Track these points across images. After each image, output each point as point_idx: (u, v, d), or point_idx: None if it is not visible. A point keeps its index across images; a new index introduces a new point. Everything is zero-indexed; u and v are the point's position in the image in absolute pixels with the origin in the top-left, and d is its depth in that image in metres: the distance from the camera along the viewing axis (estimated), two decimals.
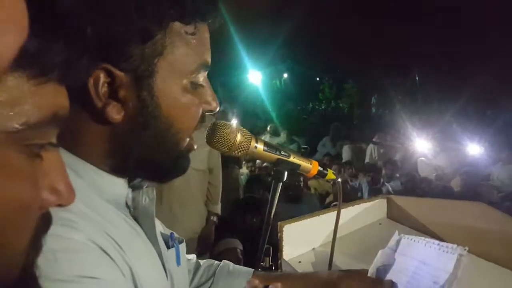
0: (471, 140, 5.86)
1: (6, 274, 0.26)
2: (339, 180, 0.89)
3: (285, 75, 11.94)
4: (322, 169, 0.83)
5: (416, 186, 4.40)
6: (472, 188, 4.37)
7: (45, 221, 0.31)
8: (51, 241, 0.32)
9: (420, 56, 8.99)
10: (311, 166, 0.81)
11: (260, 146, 0.74)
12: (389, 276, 0.86)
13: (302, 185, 3.74)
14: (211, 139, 0.70)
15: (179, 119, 0.55)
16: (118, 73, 0.49)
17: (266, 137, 6.57)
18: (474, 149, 5.63)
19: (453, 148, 5.95)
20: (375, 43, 8.66)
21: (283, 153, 0.77)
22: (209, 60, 0.59)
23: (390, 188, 4.71)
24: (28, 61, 0.24)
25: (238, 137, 0.71)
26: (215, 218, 2.61)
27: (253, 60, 8.26)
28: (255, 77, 9.02)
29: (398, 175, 5.09)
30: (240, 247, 2.55)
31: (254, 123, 7.82)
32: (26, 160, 0.26)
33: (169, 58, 0.52)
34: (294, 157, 0.79)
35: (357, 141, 6.64)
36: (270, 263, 1.19)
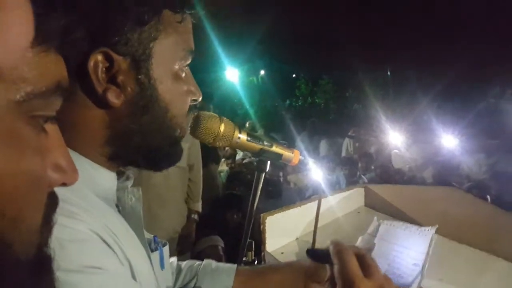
0: (442, 132, 6.09)
1: (24, 252, 0.26)
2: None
3: (262, 72, 11.98)
4: (303, 158, 0.86)
5: (391, 177, 4.54)
6: (443, 178, 4.54)
7: (53, 200, 0.30)
8: (57, 230, 0.31)
9: (391, 52, 9.24)
10: (293, 155, 0.83)
11: (243, 137, 0.76)
12: None
13: (282, 180, 3.79)
14: (195, 129, 0.71)
15: (174, 104, 0.57)
16: (117, 57, 0.50)
17: None
18: (448, 140, 5.84)
19: (425, 140, 6.17)
20: (349, 40, 8.82)
21: (265, 143, 0.79)
22: (193, 47, 0.61)
23: (366, 180, 4.83)
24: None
25: (222, 127, 0.72)
26: (196, 216, 2.59)
27: (230, 57, 8.25)
28: (232, 74, 9.01)
29: (373, 167, 5.23)
30: (221, 244, 2.56)
31: (232, 120, 7.82)
32: (34, 132, 0.26)
33: (163, 43, 0.54)
34: (276, 147, 0.80)
35: (334, 136, 6.77)
36: (253, 258, 1.21)
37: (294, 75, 12.78)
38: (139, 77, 0.52)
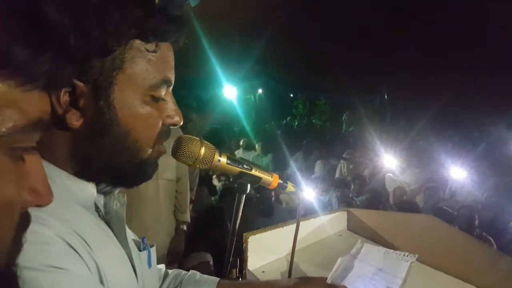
0: (438, 157, 6.14)
1: None
2: (299, 192, 0.96)
3: (260, 91, 12.12)
4: (282, 182, 0.89)
5: (380, 202, 4.56)
6: (434, 204, 4.56)
7: (25, 220, 0.33)
8: None
9: (389, 76, 9.41)
10: (271, 179, 0.87)
11: (224, 160, 0.79)
12: (349, 280, 0.92)
13: (273, 199, 3.80)
14: (176, 152, 0.74)
15: (136, 128, 0.59)
16: (79, 83, 0.53)
17: (239, 152, 6.63)
18: (444, 167, 5.88)
19: (419, 165, 6.21)
20: (347, 62, 8.99)
21: (245, 167, 0.82)
22: (171, 76, 0.63)
23: (358, 203, 4.85)
24: (18, 70, 0.26)
25: (202, 150, 0.76)
26: (184, 227, 2.58)
27: (227, 75, 8.36)
28: (230, 91, 9.11)
29: (366, 190, 5.25)
30: (211, 260, 2.56)
31: (229, 137, 7.86)
32: (10, 162, 0.28)
33: (128, 72, 0.56)
34: (256, 171, 0.84)
35: (329, 157, 6.82)
36: (237, 275, 1.23)
37: (291, 95, 12.93)
38: (99, 102, 0.55)
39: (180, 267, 2.59)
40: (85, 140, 0.57)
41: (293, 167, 6.05)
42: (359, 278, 0.94)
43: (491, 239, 3.26)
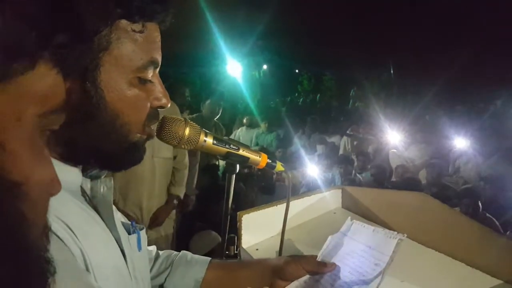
0: (443, 133, 6.07)
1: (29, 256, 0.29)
2: (289, 172, 0.95)
3: (265, 67, 11.95)
4: (271, 161, 0.89)
5: (385, 178, 4.56)
6: (438, 180, 4.55)
7: None
8: None
9: (395, 51, 9.20)
10: (259, 159, 0.86)
11: (210, 140, 0.79)
12: (338, 257, 0.93)
13: (275, 177, 3.82)
14: (160, 132, 0.74)
15: (125, 111, 0.58)
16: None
17: (243, 130, 6.62)
18: (448, 141, 5.82)
19: (424, 140, 6.16)
20: (353, 37, 8.79)
21: (232, 147, 0.82)
22: (158, 57, 0.61)
23: (362, 179, 4.86)
24: (57, 54, 0.28)
25: (187, 131, 0.75)
26: (175, 201, 2.58)
27: (231, 51, 8.23)
28: (234, 68, 9.00)
29: (369, 166, 5.25)
30: (219, 239, 2.61)
31: (234, 115, 7.83)
32: (44, 146, 0.30)
33: (114, 53, 0.55)
34: (243, 150, 0.84)
35: (333, 134, 6.79)
36: (235, 251, 1.26)
37: (296, 71, 12.75)
38: (85, 85, 0.54)
39: (187, 248, 2.65)
40: (71, 123, 0.56)
41: (297, 144, 6.05)
42: (348, 256, 0.95)
43: (494, 220, 3.26)
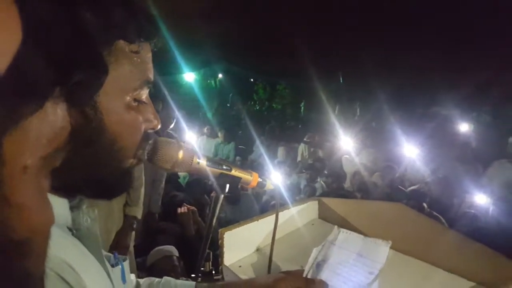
0: (390, 138, 6.45)
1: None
2: (279, 190, 0.95)
3: (220, 76, 11.95)
4: (261, 180, 0.88)
5: (343, 183, 4.74)
6: (390, 182, 4.83)
7: None
8: None
9: (344, 60, 9.63)
10: (251, 178, 0.86)
11: (203, 162, 0.77)
12: (330, 267, 0.93)
13: (239, 186, 3.81)
14: (153, 156, 0.70)
15: (122, 135, 0.56)
16: None
17: (204, 139, 6.55)
18: (396, 146, 6.19)
19: (373, 145, 6.50)
20: (305, 46, 9.07)
21: (225, 167, 0.80)
22: (152, 77, 0.60)
23: (324, 184, 5.01)
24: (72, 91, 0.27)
25: (181, 154, 0.72)
26: (134, 223, 2.46)
27: (187, 61, 8.12)
28: (190, 77, 8.88)
29: (326, 172, 5.44)
30: (175, 253, 2.51)
31: (193, 124, 7.72)
32: (46, 189, 0.29)
33: (113, 74, 0.53)
34: (235, 171, 0.83)
35: (291, 142, 6.95)
36: (211, 267, 1.22)
37: (252, 80, 12.89)
38: (85, 109, 0.51)
39: (143, 262, 2.53)
40: (68, 151, 0.52)
41: (257, 153, 6.09)
42: (340, 265, 0.95)
43: (440, 217, 3.51)
